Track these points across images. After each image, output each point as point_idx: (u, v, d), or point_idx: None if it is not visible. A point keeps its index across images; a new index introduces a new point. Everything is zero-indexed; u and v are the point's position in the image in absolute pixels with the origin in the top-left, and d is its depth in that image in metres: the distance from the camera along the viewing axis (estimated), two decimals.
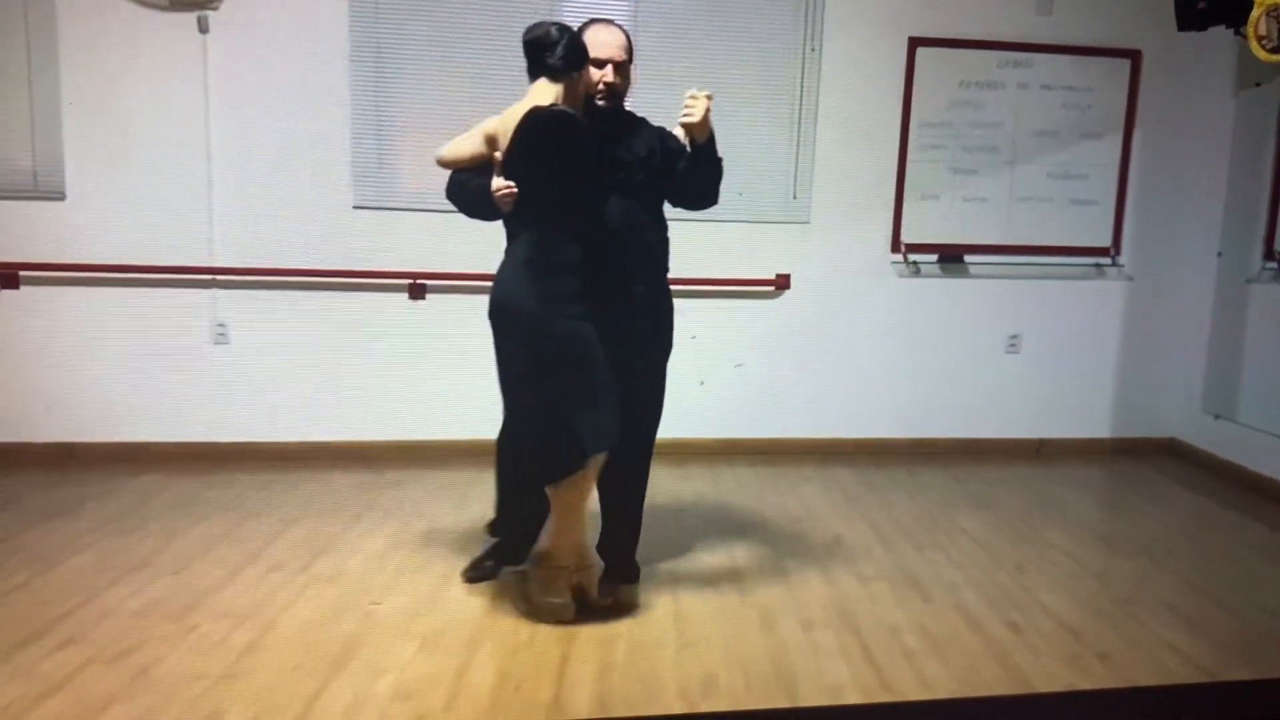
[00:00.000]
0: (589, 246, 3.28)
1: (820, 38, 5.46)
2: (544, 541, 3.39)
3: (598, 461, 3.29)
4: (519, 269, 3.27)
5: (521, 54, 3.27)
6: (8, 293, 5.11)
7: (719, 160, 3.45)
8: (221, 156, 5.16)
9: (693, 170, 3.43)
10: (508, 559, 3.72)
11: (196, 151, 5.13)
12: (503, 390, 3.45)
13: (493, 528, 3.80)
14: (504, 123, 3.26)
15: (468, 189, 3.39)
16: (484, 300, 5.04)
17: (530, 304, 3.21)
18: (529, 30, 3.26)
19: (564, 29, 3.26)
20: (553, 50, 3.22)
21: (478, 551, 3.85)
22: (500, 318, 3.31)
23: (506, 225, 3.41)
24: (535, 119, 3.18)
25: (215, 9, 5.04)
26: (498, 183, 3.22)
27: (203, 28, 5.04)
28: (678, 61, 5.12)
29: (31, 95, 4.98)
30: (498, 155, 3.26)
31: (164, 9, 5.00)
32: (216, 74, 5.10)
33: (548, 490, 3.33)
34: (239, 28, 5.08)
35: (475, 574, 3.73)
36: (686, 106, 3.31)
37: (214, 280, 5.25)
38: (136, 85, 5.06)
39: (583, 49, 3.28)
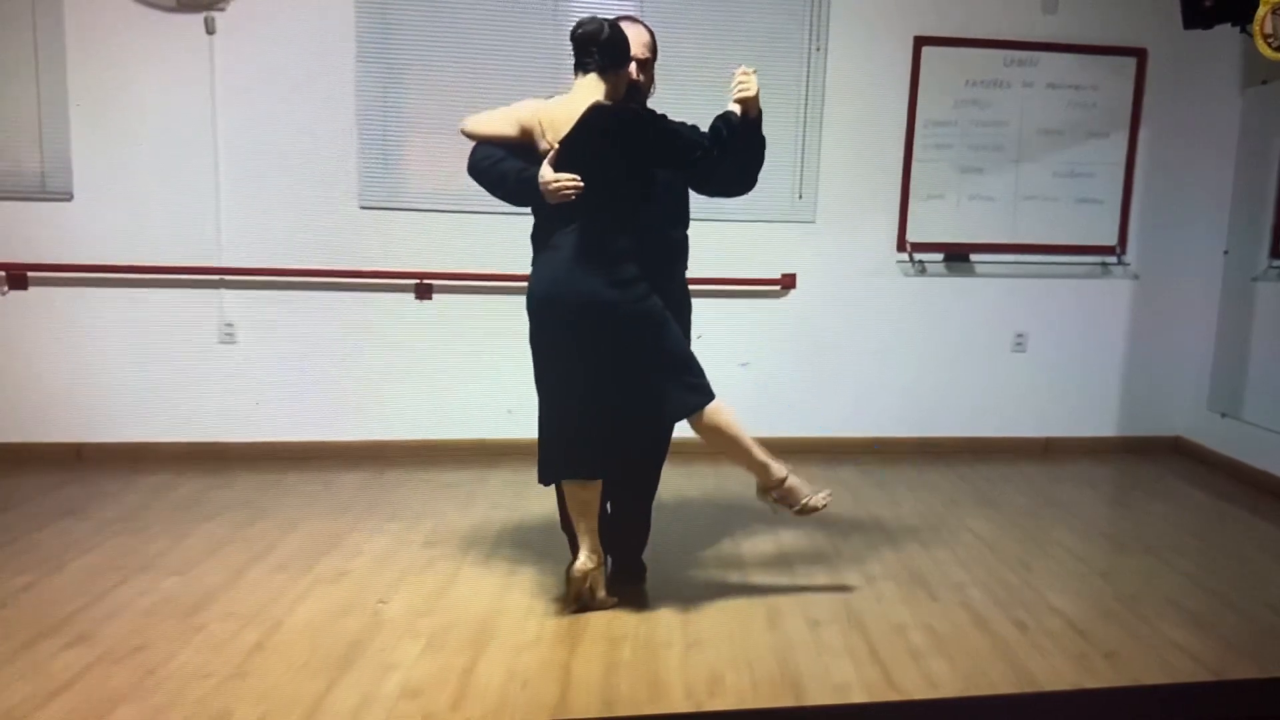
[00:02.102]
0: (639, 240, 3.32)
1: (825, 37, 5.46)
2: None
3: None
4: (575, 260, 3.23)
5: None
6: (16, 294, 5.13)
7: (764, 138, 3.44)
8: (228, 157, 5.18)
9: (744, 148, 3.39)
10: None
11: (203, 152, 5.15)
12: (553, 387, 3.39)
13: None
14: (549, 117, 3.23)
15: (500, 169, 3.32)
16: (492, 300, 5.09)
17: (607, 292, 3.21)
18: (581, 25, 3.25)
19: (615, 25, 3.27)
20: (606, 46, 3.24)
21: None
22: (558, 310, 3.25)
23: (543, 214, 3.34)
24: (610, 116, 3.20)
25: (222, 10, 5.06)
26: (551, 174, 3.15)
27: (209, 29, 5.05)
28: (683, 61, 5.11)
29: (39, 96, 5.00)
30: (544, 145, 3.22)
31: (171, 10, 5.02)
32: (223, 75, 5.11)
33: (565, 488, 3.44)
34: (246, 29, 5.09)
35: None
36: (741, 82, 3.32)
37: (221, 280, 5.27)
38: (143, 86, 5.07)
39: (628, 45, 3.30)
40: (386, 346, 5.41)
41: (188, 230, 5.19)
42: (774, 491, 3.48)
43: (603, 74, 3.25)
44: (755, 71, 3.36)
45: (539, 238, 3.40)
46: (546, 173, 3.16)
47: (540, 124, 3.25)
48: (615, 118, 3.22)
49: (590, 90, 3.24)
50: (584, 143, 3.18)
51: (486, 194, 3.45)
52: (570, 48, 3.27)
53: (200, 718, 2.70)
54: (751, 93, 3.32)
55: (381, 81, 5.22)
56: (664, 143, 3.29)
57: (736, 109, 3.34)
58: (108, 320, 5.21)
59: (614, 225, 3.25)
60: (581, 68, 3.27)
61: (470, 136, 3.39)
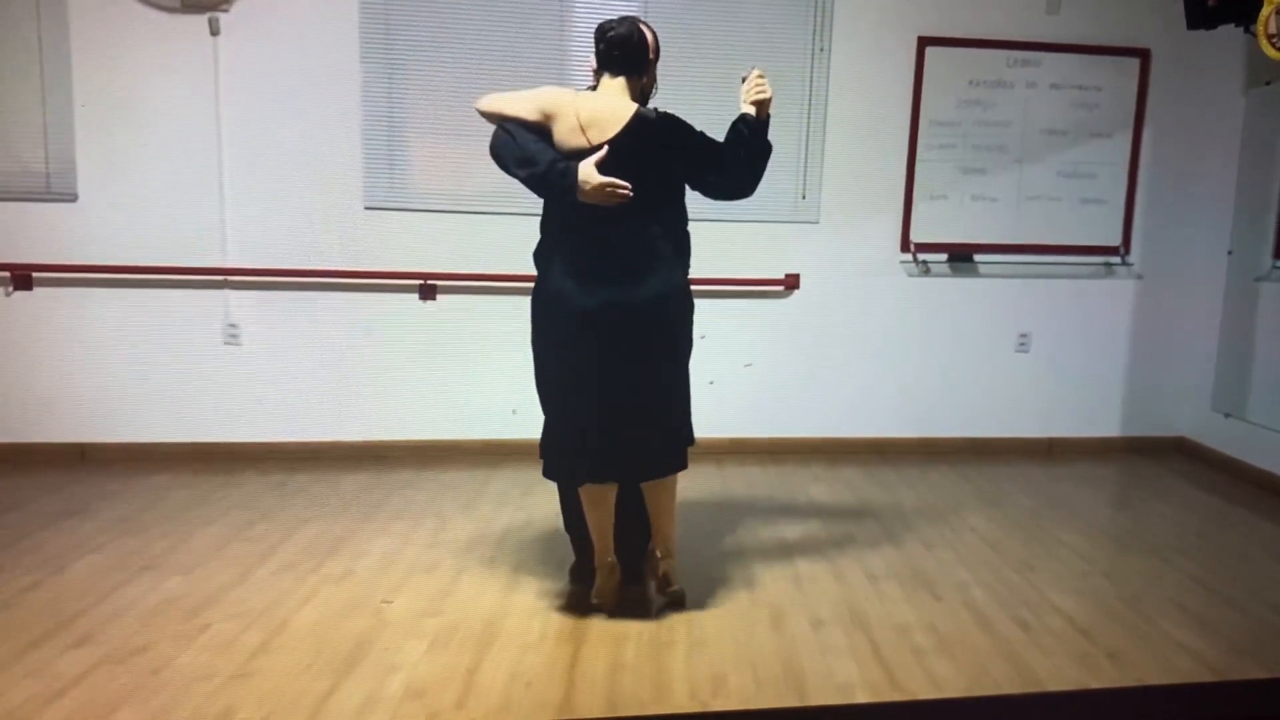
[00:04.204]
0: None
1: (829, 38, 5.46)
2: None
3: None
4: (627, 265, 3.24)
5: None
6: (21, 294, 5.14)
7: (770, 144, 3.42)
8: (233, 158, 5.18)
9: (754, 150, 3.39)
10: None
11: (208, 153, 5.16)
12: (571, 390, 3.35)
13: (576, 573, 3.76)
14: (590, 116, 3.20)
15: (532, 150, 3.19)
16: (496, 301, 5.09)
17: (667, 293, 3.29)
18: (613, 28, 3.27)
19: (642, 29, 3.30)
20: (638, 50, 3.27)
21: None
22: (607, 315, 3.22)
23: (567, 212, 3.27)
24: (658, 123, 3.23)
25: (226, 11, 5.06)
26: (599, 175, 3.11)
27: (214, 29, 5.06)
28: (687, 61, 5.12)
29: (44, 98, 5.00)
30: (579, 141, 3.18)
31: (175, 11, 5.02)
32: (228, 76, 5.12)
33: (583, 493, 3.44)
34: (250, 29, 5.10)
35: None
36: (758, 85, 3.33)
37: (226, 281, 5.27)
38: (148, 87, 5.08)
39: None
40: (391, 347, 5.42)
41: (192, 231, 5.20)
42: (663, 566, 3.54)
43: (630, 77, 3.27)
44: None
45: (557, 237, 3.36)
46: (594, 173, 3.13)
47: (579, 119, 3.19)
48: (664, 125, 3.24)
49: (621, 92, 3.26)
50: (632, 147, 3.18)
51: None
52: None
53: (203, 718, 2.70)
54: (769, 94, 3.34)
55: (386, 82, 5.22)
56: (704, 148, 3.31)
57: (751, 110, 3.34)
58: (112, 321, 5.22)
59: (654, 228, 3.28)
60: (609, 70, 3.28)
61: (487, 116, 3.33)
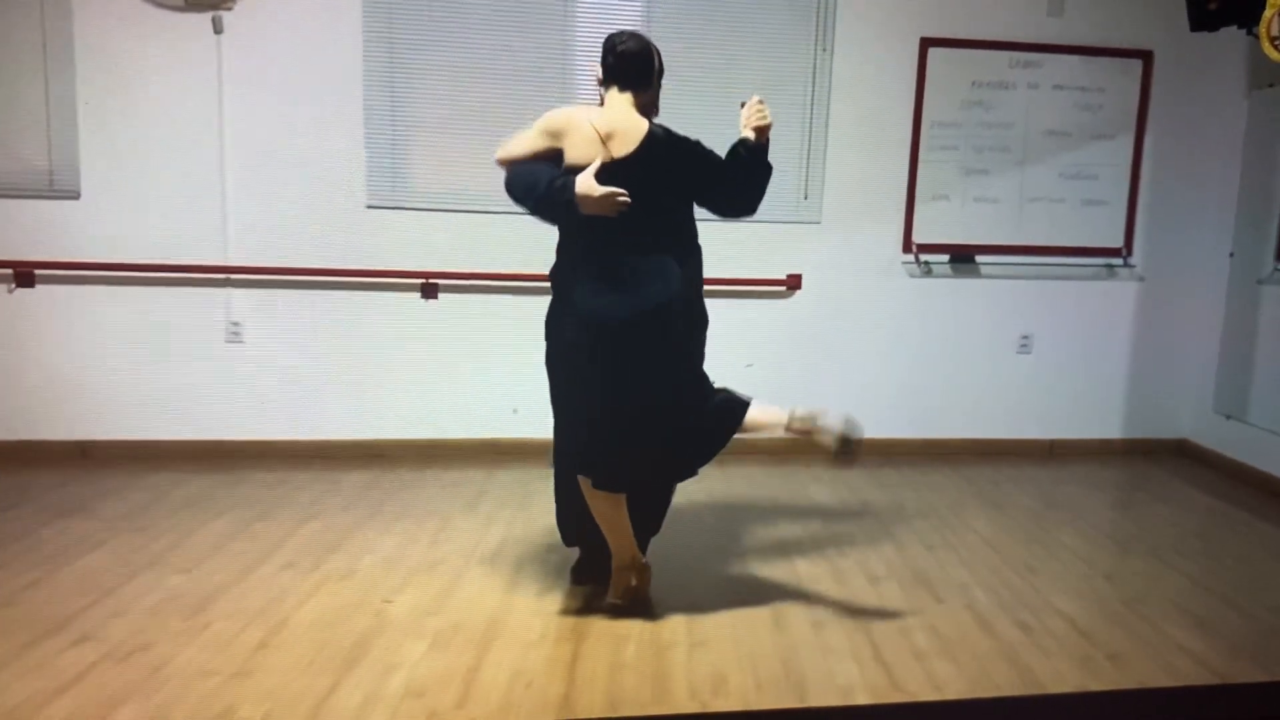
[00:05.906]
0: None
1: (832, 39, 5.46)
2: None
3: None
4: (645, 276, 3.23)
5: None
6: (24, 291, 5.14)
7: (770, 166, 3.44)
8: (235, 156, 5.18)
9: (754, 171, 3.41)
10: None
11: (211, 151, 5.16)
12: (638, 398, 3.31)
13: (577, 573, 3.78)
14: (609, 129, 3.17)
15: (533, 177, 3.22)
16: (498, 300, 5.08)
17: (682, 293, 3.29)
18: (623, 41, 3.27)
19: (651, 44, 3.32)
20: (649, 65, 3.28)
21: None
22: (641, 326, 3.21)
23: (582, 232, 3.26)
24: (671, 141, 3.24)
25: (230, 9, 5.06)
26: (599, 185, 3.09)
27: (217, 28, 5.06)
28: (690, 63, 5.13)
29: (47, 95, 5.01)
30: (589, 153, 3.15)
31: (179, 9, 5.02)
32: (231, 74, 5.12)
33: (599, 498, 3.41)
34: (253, 28, 5.10)
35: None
36: (759, 111, 3.34)
37: (228, 279, 5.27)
38: (151, 85, 5.08)
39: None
40: (392, 346, 5.42)
41: (194, 229, 5.20)
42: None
43: (637, 92, 3.28)
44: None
45: (571, 256, 3.35)
46: (594, 185, 3.09)
47: (598, 131, 3.16)
48: (672, 142, 3.25)
49: (628, 106, 3.26)
50: (644, 162, 3.17)
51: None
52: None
53: (204, 716, 2.70)
54: (769, 121, 3.35)
55: (389, 81, 5.22)
56: (709, 164, 3.32)
57: (751, 135, 3.35)
58: (114, 318, 5.22)
59: (664, 239, 3.28)
60: (617, 84, 3.28)
61: (504, 164, 3.34)
